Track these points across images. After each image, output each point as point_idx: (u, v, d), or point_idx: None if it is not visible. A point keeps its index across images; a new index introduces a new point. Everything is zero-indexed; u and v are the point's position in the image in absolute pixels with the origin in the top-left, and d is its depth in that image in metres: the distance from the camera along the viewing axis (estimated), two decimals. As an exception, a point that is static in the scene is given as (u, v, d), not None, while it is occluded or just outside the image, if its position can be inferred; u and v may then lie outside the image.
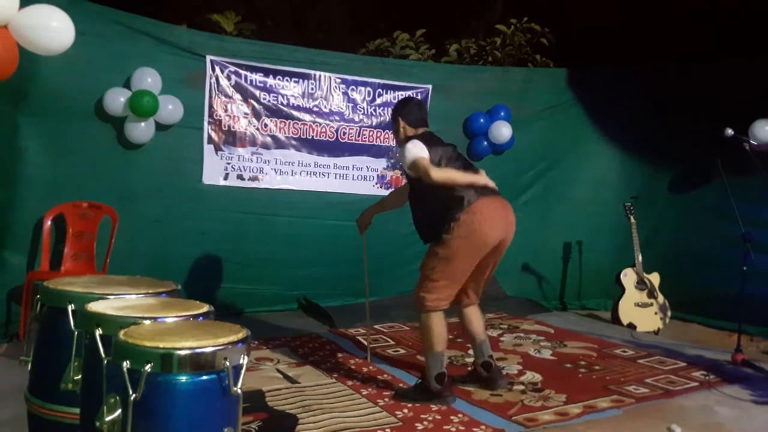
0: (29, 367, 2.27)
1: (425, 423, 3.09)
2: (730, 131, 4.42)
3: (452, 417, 3.18)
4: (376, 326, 4.95)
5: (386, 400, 3.40)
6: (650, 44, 6.15)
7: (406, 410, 3.25)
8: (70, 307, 2.07)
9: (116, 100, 4.50)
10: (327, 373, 3.82)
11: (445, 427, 3.05)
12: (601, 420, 3.26)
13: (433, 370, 3.38)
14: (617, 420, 3.28)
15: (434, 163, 3.29)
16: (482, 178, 3.38)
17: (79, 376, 2.02)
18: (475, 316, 3.65)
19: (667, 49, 6.03)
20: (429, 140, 3.41)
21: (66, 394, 2.07)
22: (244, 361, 1.70)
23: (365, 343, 4.31)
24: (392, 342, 4.60)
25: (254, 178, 5.25)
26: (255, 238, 5.26)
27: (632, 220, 5.49)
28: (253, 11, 6.83)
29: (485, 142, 5.91)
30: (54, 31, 3.66)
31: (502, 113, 5.91)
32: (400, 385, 3.64)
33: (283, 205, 5.34)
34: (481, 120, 5.89)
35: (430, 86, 5.81)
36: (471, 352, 3.81)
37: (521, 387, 3.68)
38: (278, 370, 3.82)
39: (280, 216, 5.34)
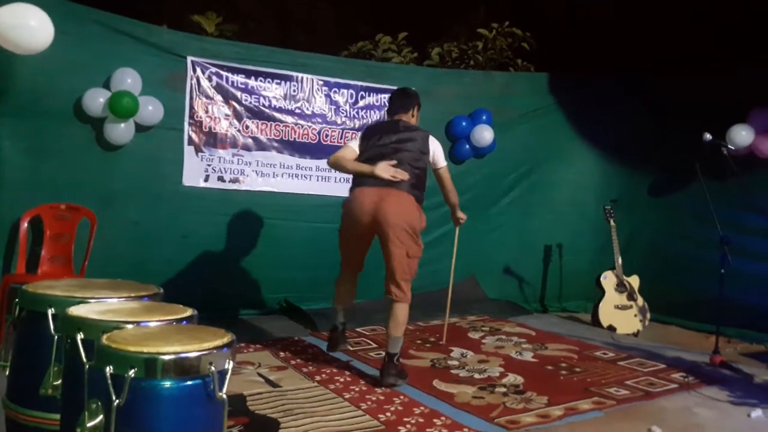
0: (7, 373, 2.23)
1: (408, 426, 3.09)
2: (708, 136, 4.48)
3: (435, 420, 3.18)
4: (358, 329, 4.94)
5: (369, 403, 3.39)
6: (631, 48, 6.20)
7: (389, 413, 3.24)
8: (50, 311, 2.03)
9: (95, 100, 4.44)
10: (309, 377, 3.80)
11: (427, 430, 3.05)
12: (582, 422, 3.28)
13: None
14: (598, 422, 3.30)
15: (360, 150, 3.76)
16: (375, 169, 3.58)
17: (59, 382, 1.98)
18: (354, 286, 4.00)
19: (648, 53, 6.09)
20: (373, 128, 3.90)
21: (46, 399, 2.03)
22: (229, 366, 1.68)
23: (348, 347, 4.31)
24: (374, 345, 4.58)
25: (235, 180, 5.21)
26: (235, 241, 5.22)
27: (612, 223, 5.54)
28: (235, 12, 6.78)
29: (467, 146, 5.94)
30: (32, 30, 3.62)
31: (484, 117, 5.94)
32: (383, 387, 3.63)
33: (265, 207, 5.31)
34: (463, 123, 5.91)
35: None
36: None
37: (503, 389, 3.70)
38: (259, 374, 3.79)
39: (262, 218, 5.31)
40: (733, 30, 5.56)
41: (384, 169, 3.59)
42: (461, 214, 4.27)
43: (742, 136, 5.11)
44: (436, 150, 3.84)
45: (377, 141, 3.75)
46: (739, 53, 5.37)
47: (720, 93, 5.37)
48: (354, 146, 3.79)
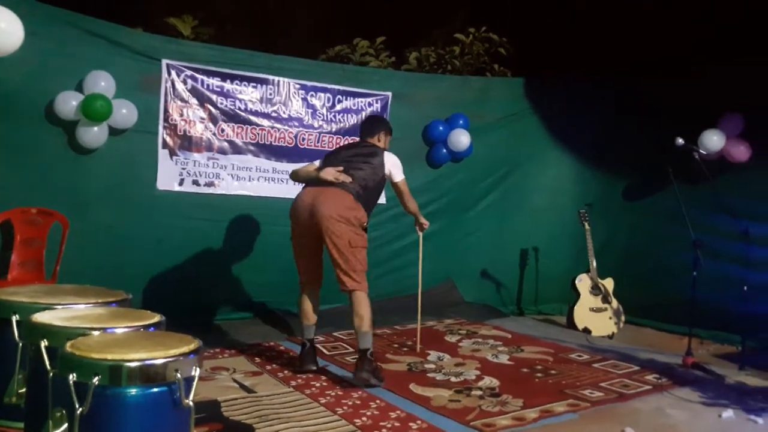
0: (-29, 381, 2.18)
1: (384, 430, 3.09)
2: (680, 140, 4.54)
3: (411, 424, 3.18)
4: (335, 333, 4.93)
5: (345, 408, 3.37)
6: (607, 51, 6.23)
7: (365, 418, 3.23)
8: (15, 318, 2.00)
9: (68, 103, 4.38)
10: (284, 382, 3.78)
11: (403, 434, 3.05)
12: (557, 424, 3.30)
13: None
14: (573, 424, 3.32)
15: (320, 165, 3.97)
16: (321, 172, 3.80)
17: (24, 390, 1.95)
18: (316, 300, 4.03)
19: (624, 56, 6.11)
20: (336, 149, 4.23)
21: (10, 408, 2.01)
22: (196, 372, 1.67)
23: (324, 351, 4.29)
24: (351, 349, 4.56)
25: (210, 184, 5.17)
26: (211, 245, 5.17)
27: (586, 226, 5.59)
28: (212, 15, 6.73)
29: (444, 150, 5.96)
30: (1, 32, 3.55)
31: (461, 121, 5.97)
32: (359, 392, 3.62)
33: (241, 211, 5.26)
34: (440, 128, 5.93)
35: (389, 93, 5.82)
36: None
37: (479, 392, 3.71)
38: (234, 380, 3.76)
39: (237, 222, 5.27)
40: (710, 33, 5.60)
41: (328, 172, 3.80)
42: (424, 221, 4.40)
43: (713, 141, 5.18)
44: (392, 166, 3.99)
45: (335, 157, 3.99)
46: (715, 57, 5.41)
47: (694, 96, 5.42)
48: (317, 163, 4.04)
